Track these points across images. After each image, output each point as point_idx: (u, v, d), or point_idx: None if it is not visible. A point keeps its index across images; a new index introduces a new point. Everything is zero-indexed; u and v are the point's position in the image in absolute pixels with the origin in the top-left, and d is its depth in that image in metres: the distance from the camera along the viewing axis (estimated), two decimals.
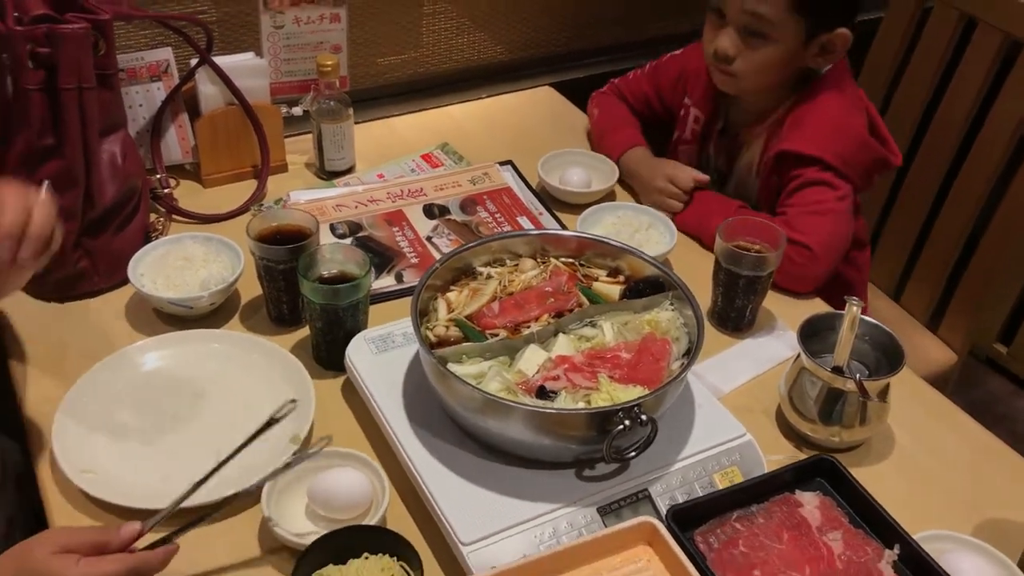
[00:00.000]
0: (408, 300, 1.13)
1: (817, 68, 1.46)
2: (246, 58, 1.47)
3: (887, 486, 1.09)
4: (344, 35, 1.53)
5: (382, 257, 1.39)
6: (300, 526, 0.99)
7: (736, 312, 1.30)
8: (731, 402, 1.17)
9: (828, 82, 1.46)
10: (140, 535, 0.86)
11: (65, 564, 0.78)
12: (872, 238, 1.97)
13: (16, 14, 1.15)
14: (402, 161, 1.61)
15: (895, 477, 1.12)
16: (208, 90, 1.45)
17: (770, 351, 1.28)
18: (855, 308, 1.03)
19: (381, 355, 1.14)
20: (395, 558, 0.92)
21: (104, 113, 1.23)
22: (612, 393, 1.00)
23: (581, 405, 1.00)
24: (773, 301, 1.36)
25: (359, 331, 1.17)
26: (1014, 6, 1.66)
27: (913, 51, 1.85)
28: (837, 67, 1.47)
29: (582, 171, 1.53)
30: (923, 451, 1.17)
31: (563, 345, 1.07)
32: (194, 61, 1.44)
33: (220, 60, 1.44)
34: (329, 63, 1.47)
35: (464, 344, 1.06)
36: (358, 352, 1.14)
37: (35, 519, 1.07)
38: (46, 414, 1.09)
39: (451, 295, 1.14)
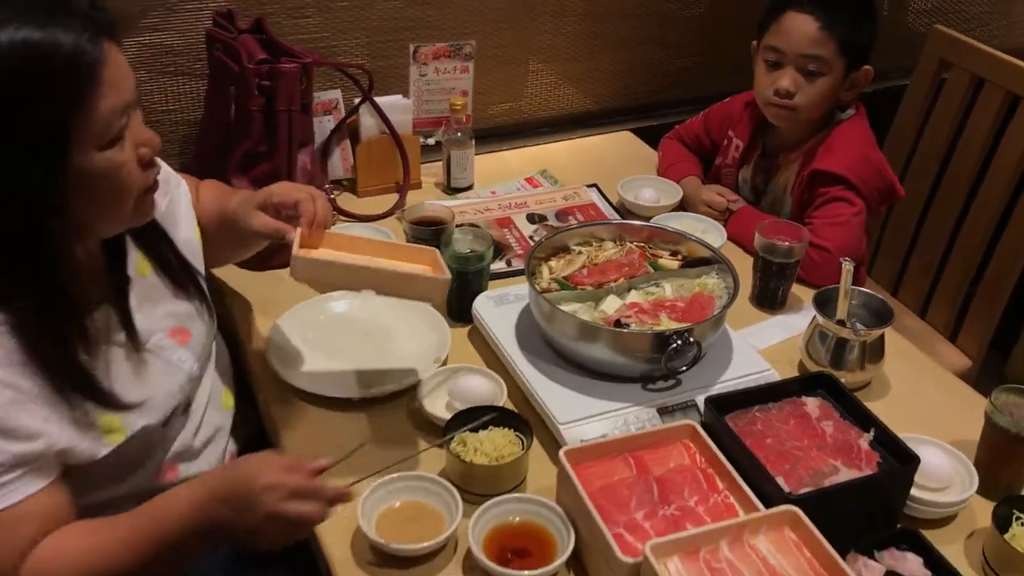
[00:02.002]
0: (515, 279, 1.60)
1: (846, 100, 1.85)
2: (396, 99, 1.93)
3: (880, 416, 1.43)
4: (471, 83, 1.98)
5: (495, 249, 1.80)
6: (441, 415, 1.38)
7: (771, 293, 1.67)
8: (763, 356, 1.53)
9: (853, 122, 1.85)
10: (325, 469, 1.13)
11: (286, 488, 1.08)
12: (902, 264, 2.33)
13: (247, 58, 1.62)
14: (510, 182, 2.04)
15: (887, 412, 1.44)
16: (367, 122, 1.90)
17: (797, 323, 1.64)
18: (847, 266, 1.40)
19: (498, 307, 1.54)
20: (512, 431, 1.31)
21: (302, 131, 1.69)
22: (669, 326, 1.39)
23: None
24: (802, 291, 1.72)
25: (482, 292, 1.58)
26: (1014, 68, 2.03)
27: (934, 106, 2.22)
28: (859, 113, 1.87)
29: (653, 190, 1.94)
30: (911, 395, 1.51)
31: (634, 296, 1.47)
32: (356, 100, 1.89)
33: (376, 99, 1.89)
34: (459, 103, 1.91)
35: (562, 291, 1.46)
36: (483, 305, 1.55)
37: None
38: (259, 341, 1.52)
39: (552, 263, 1.55)
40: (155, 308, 1.26)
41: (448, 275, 1.32)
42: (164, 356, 1.25)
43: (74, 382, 1.09)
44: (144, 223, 1.18)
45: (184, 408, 1.29)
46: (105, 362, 1.16)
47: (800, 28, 1.77)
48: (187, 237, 1.37)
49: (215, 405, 1.37)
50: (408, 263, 1.37)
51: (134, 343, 1.20)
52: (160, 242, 1.28)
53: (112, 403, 1.13)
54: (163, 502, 1.12)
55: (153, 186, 1.14)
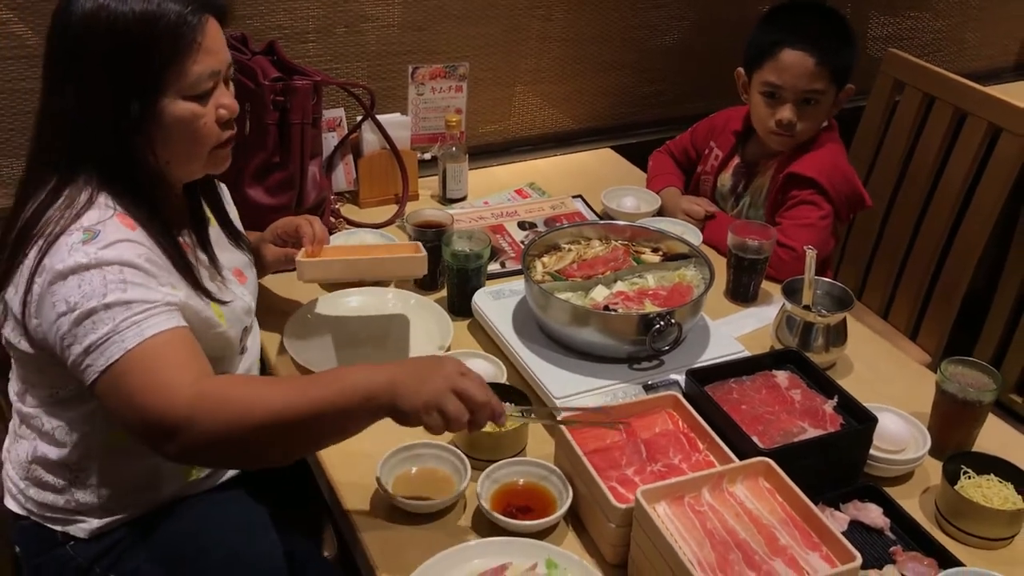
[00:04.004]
0: (509, 278, 1.74)
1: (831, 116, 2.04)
2: (395, 116, 2.09)
3: None
4: (464, 101, 2.15)
5: (491, 252, 1.95)
6: None
7: (743, 287, 1.83)
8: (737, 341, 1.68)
9: (828, 135, 2.03)
10: None
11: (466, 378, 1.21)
12: (865, 269, 2.49)
13: (262, 76, 1.77)
14: (501, 193, 2.20)
15: (850, 387, 1.57)
16: (368, 138, 2.06)
17: (767, 314, 1.79)
18: (811, 253, 1.56)
19: (496, 301, 1.69)
20: (513, 405, 1.45)
21: (312, 144, 1.83)
22: (652, 310, 1.54)
23: None
24: (772, 287, 1.88)
25: (480, 288, 1.72)
26: (961, 86, 2.22)
27: (890, 125, 2.41)
28: (832, 126, 2.05)
29: (633, 199, 2.10)
30: (872, 374, 1.67)
31: (620, 286, 1.62)
32: (359, 118, 2.05)
33: (377, 117, 2.04)
34: (454, 120, 2.07)
35: (554, 282, 1.61)
36: (482, 299, 1.69)
37: None
38: (278, 334, 1.66)
39: (544, 259, 1.70)
40: (221, 252, 1.48)
41: (425, 253, 1.63)
42: (231, 287, 1.46)
43: (184, 268, 1.31)
44: (217, 173, 1.41)
45: (243, 348, 1.47)
46: (198, 270, 1.37)
47: (798, 65, 1.93)
48: (231, 211, 1.60)
49: (256, 356, 1.55)
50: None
51: (215, 265, 1.43)
52: (219, 203, 1.54)
53: (211, 296, 1.36)
54: (341, 367, 1.24)
55: (226, 143, 1.36)
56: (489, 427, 1.39)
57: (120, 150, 1.26)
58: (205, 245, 1.43)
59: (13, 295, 1.24)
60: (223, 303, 1.39)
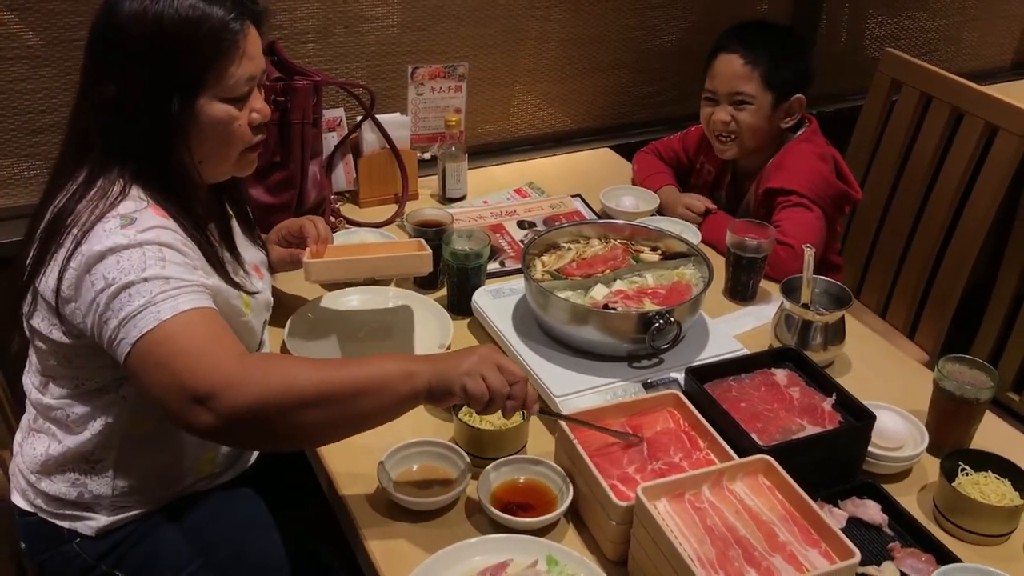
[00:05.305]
0: (508, 277, 1.75)
1: (786, 127, 2.06)
2: (395, 116, 2.09)
3: None
4: (464, 101, 2.15)
5: (491, 251, 1.95)
6: None
7: (741, 286, 1.84)
8: (736, 340, 1.69)
9: (799, 140, 2.05)
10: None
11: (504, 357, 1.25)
12: (863, 268, 2.50)
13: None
14: (500, 193, 2.20)
15: (849, 385, 1.59)
16: (368, 137, 2.06)
17: (766, 313, 1.80)
18: (809, 251, 1.57)
19: (496, 300, 1.69)
20: None
21: (313, 143, 1.84)
22: (652, 308, 1.54)
23: None
24: (771, 286, 1.88)
25: (480, 286, 1.73)
26: (958, 86, 2.23)
27: (887, 124, 2.41)
28: (809, 129, 2.06)
29: (632, 198, 2.11)
30: (870, 372, 1.67)
31: (619, 285, 1.63)
32: (359, 118, 2.05)
33: (377, 117, 2.05)
34: (453, 120, 2.08)
35: (554, 281, 1.62)
36: (481, 297, 1.70)
37: None
38: (278, 333, 1.66)
39: (544, 258, 1.71)
40: (243, 248, 1.52)
41: (429, 251, 1.61)
42: (252, 281, 1.48)
43: (215, 261, 1.35)
44: (243, 175, 1.46)
45: (261, 342, 1.51)
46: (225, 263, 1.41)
47: (726, 66, 2.03)
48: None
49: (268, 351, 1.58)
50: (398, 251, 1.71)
51: (238, 260, 1.45)
52: (241, 200, 1.58)
53: (239, 287, 1.40)
54: (383, 354, 1.25)
55: (255, 147, 1.40)
56: (490, 426, 1.41)
57: (156, 146, 1.29)
58: (230, 240, 1.46)
59: (45, 285, 1.26)
60: (251, 294, 1.43)
